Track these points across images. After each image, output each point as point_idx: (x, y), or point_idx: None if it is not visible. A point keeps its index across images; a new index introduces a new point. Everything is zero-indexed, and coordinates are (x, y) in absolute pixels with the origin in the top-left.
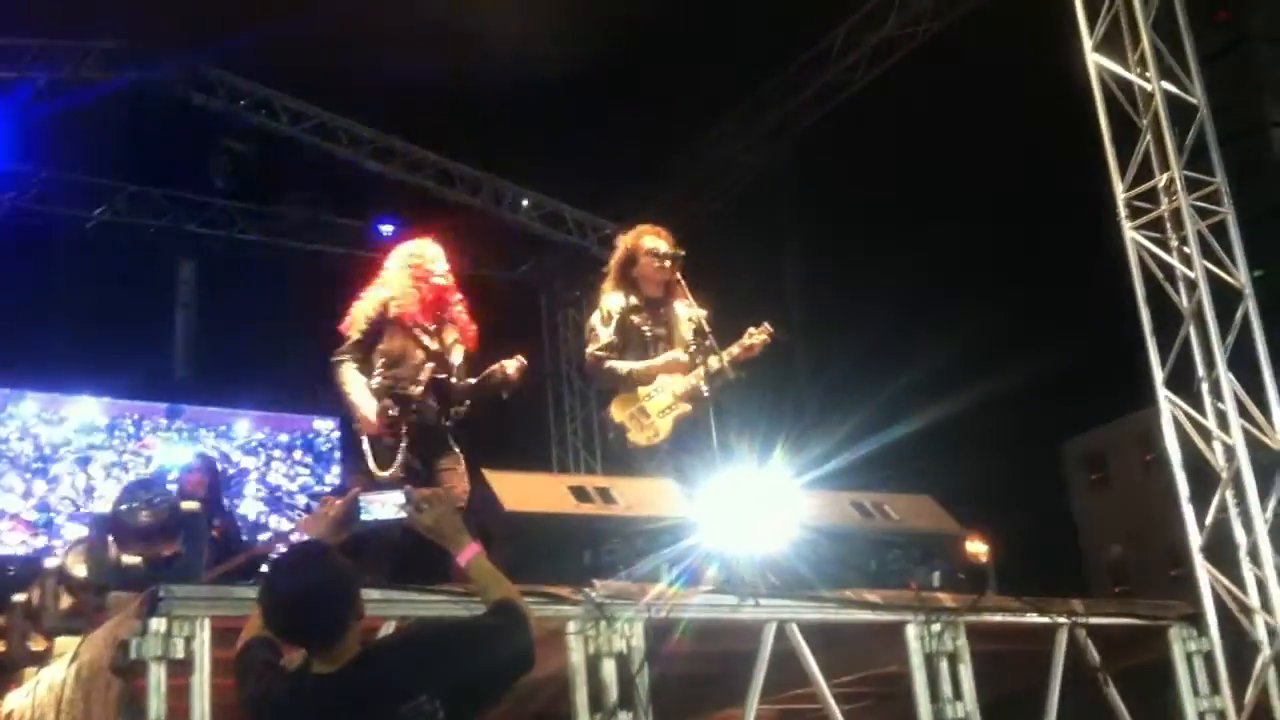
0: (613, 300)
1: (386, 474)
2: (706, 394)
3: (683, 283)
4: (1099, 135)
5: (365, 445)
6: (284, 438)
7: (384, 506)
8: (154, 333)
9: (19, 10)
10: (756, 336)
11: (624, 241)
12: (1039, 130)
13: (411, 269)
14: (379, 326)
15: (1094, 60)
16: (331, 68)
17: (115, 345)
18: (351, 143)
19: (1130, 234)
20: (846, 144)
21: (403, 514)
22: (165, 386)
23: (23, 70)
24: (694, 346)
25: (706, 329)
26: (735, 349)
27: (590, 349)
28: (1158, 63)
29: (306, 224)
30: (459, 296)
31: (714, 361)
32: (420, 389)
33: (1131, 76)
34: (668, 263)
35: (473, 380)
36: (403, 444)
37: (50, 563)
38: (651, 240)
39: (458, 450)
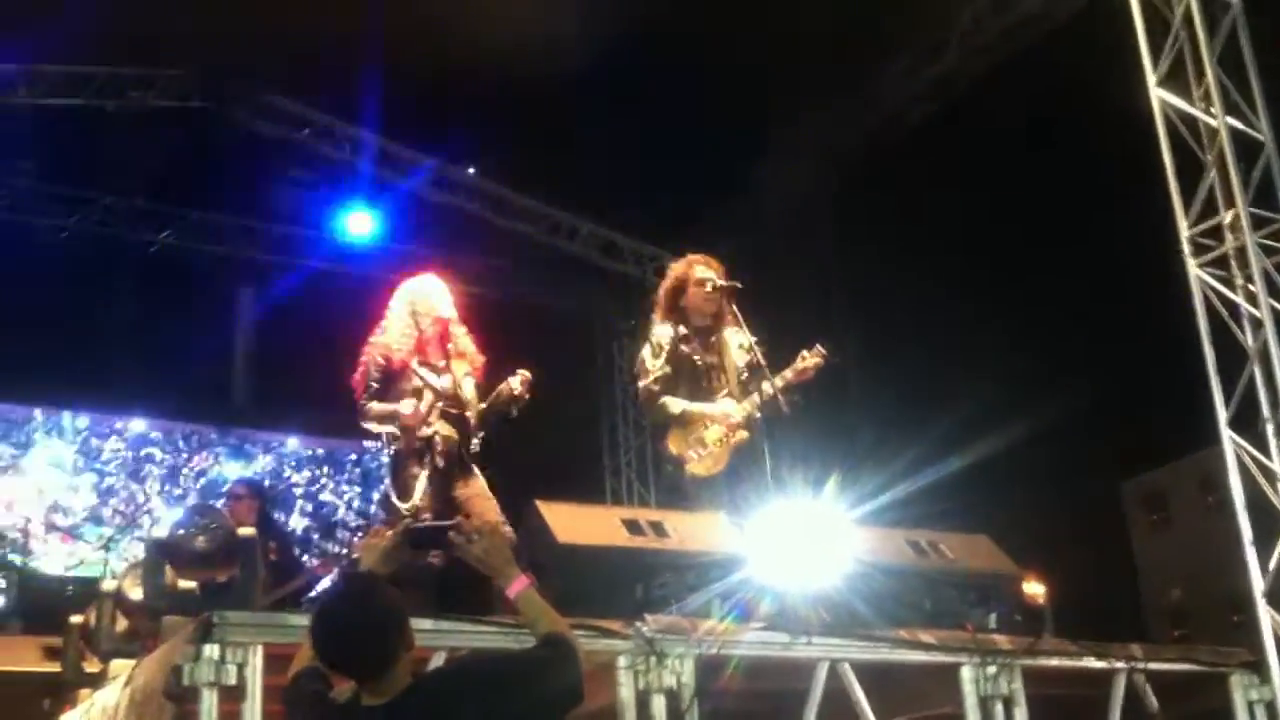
0: (662, 331)
1: (405, 505)
2: (760, 419)
3: (735, 310)
4: (1163, 171)
5: (386, 481)
6: (335, 456)
7: (433, 538)
8: (212, 357)
9: (86, 39)
10: (809, 359)
11: (673, 270)
12: (1102, 166)
13: (412, 305)
14: (385, 375)
15: (1158, 95)
16: (394, 96)
17: (173, 368)
18: (412, 170)
19: (1194, 271)
20: (904, 177)
21: (452, 546)
22: (221, 410)
23: (89, 98)
24: (746, 374)
25: (759, 355)
26: (789, 373)
27: (643, 383)
28: (1223, 98)
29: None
30: (464, 330)
31: (767, 386)
32: (431, 430)
33: (1196, 112)
34: (717, 292)
35: (483, 405)
36: (424, 473)
37: (107, 585)
38: (701, 270)
39: (480, 475)
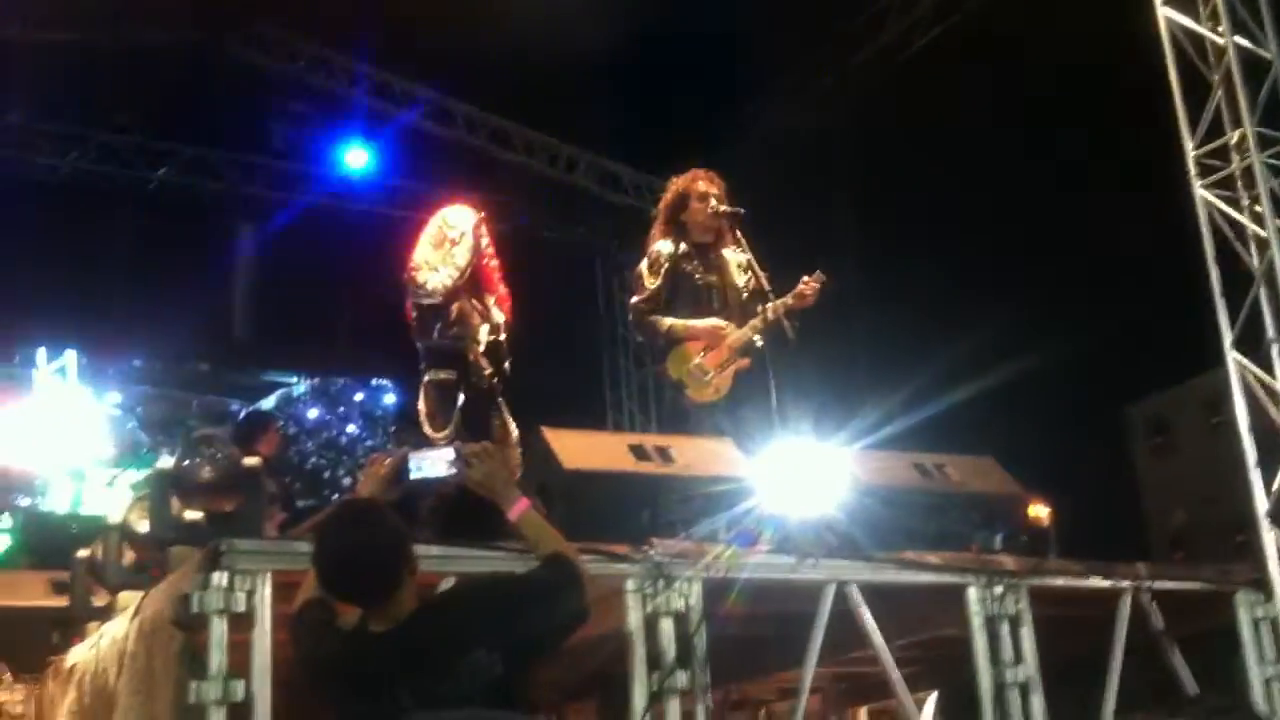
0: (662, 246)
1: (440, 434)
2: (761, 345)
3: (736, 233)
4: (1168, 91)
5: (423, 407)
6: (339, 393)
7: (434, 464)
8: (213, 294)
9: None
10: (809, 284)
11: (675, 184)
12: (1106, 86)
13: (478, 235)
14: (449, 295)
15: (1164, 14)
16: (390, 29)
17: (174, 306)
18: (410, 103)
19: (1200, 192)
20: (905, 106)
21: (453, 470)
22: (222, 347)
23: (82, 32)
24: (746, 296)
25: (763, 278)
26: (790, 298)
27: (635, 299)
28: (1230, 16)
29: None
30: (497, 261)
31: (769, 310)
32: (480, 349)
33: (1203, 30)
34: (720, 209)
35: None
36: (458, 404)
37: (113, 518)
38: (704, 185)
39: (509, 417)
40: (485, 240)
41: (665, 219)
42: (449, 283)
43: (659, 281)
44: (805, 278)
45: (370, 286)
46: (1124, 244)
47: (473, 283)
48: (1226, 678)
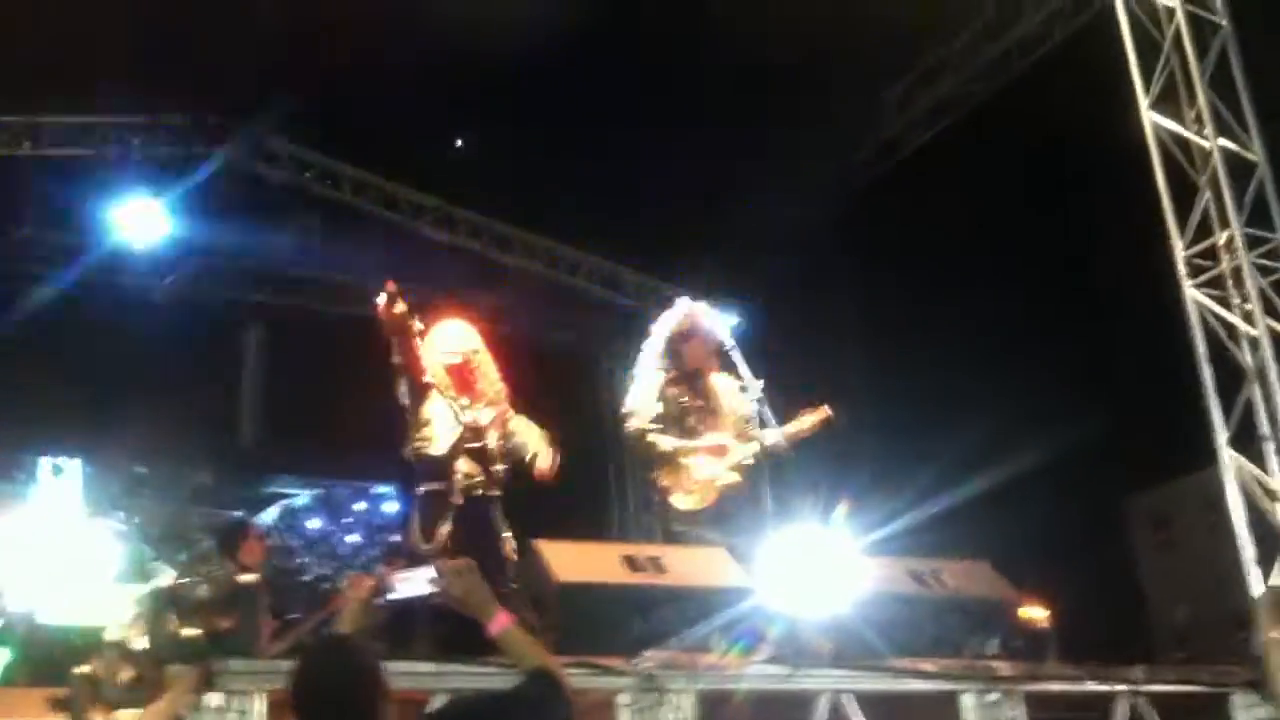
0: (649, 374)
1: (429, 546)
2: (753, 465)
3: (735, 358)
4: (1157, 194)
5: (415, 521)
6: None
7: (414, 582)
8: (219, 404)
9: (86, 90)
10: (809, 419)
11: (669, 318)
12: (1097, 190)
13: (434, 347)
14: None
15: (1150, 118)
16: (392, 138)
17: (179, 417)
18: (414, 211)
19: (1191, 292)
20: (904, 204)
21: (433, 587)
22: (229, 458)
23: (92, 146)
24: (735, 418)
25: (765, 404)
26: (791, 428)
27: (633, 425)
28: (1215, 119)
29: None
30: (490, 360)
31: (770, 437)
32: (446, 448)
33: (1189, 134)
34: (712, 350)
35: (513, 441)
36: (446, 520)
37: (111, 635)
38: (696, 322)
39: (504, 524)
40: (453, 349)
41: (657, 350)
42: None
43: (653, 404)
44: (806, 412)
45: (372, 391)
46: (1119, 343)
47: (447, 383)
48: None
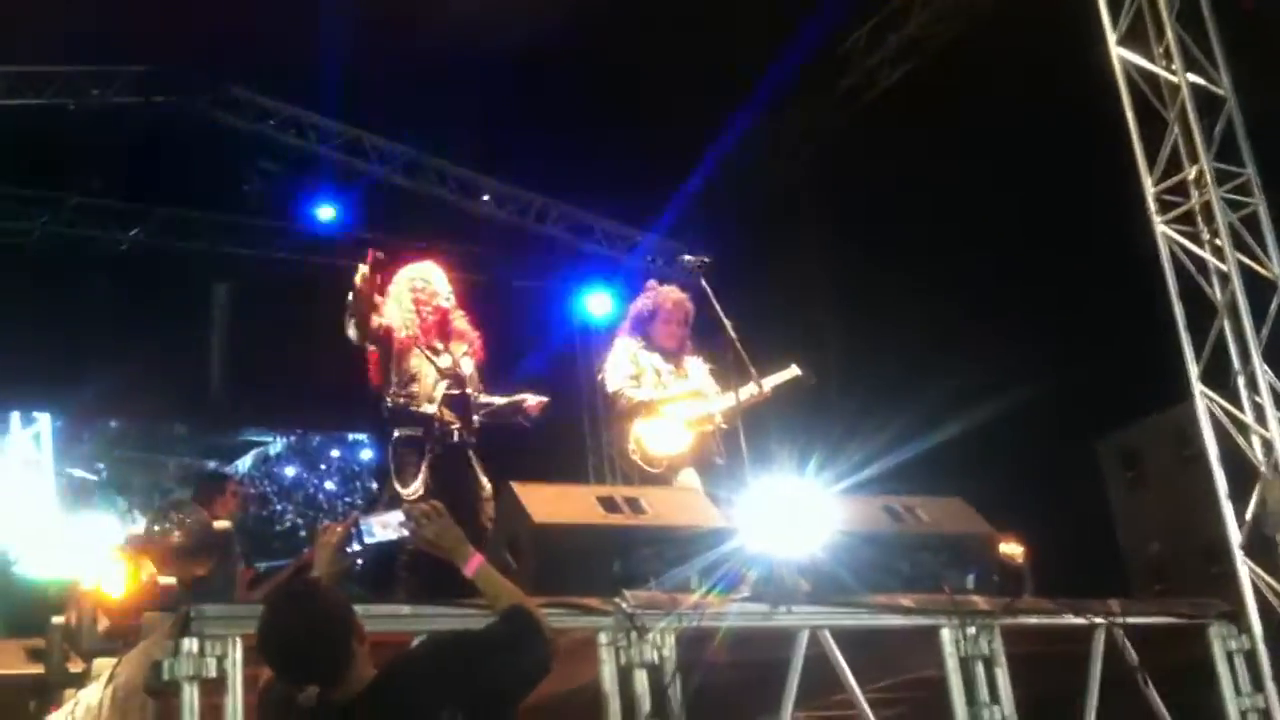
0: (624, 343)
1: (407, 490)
2: (723, 425)
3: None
4: (1125, 130)
5: (392, 465)
6: (315, 449)
7: (385, 527)
8: (188, 355)
9: (46, 39)
10: (781, 376)
11: (643, 298)
12: (1065, 128)
13: (413, 293)
14: (389, 355)
15: (1118, 54)
16: (358, 84)
17: (149, 367)
18: (380, 159)
19: (1161, 228)
20: (869, 150)
21: (404, 532)
22: (199, 408)
23: (51, 96)
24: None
25: (742, 352)
26: (766, 382)
27: (609, 385)
28: (1183, 54)
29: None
30: (461, 312)
31: (744, 392)
32: (434, 406)
33: (1157, 69)
34: (684, 329)
35: (494, 401)
36: (424, 462)
37: (87, 584)
38: (669, 306)
39: (480, 469)
40: (430, 293)
41: (630, 326)
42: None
43: (627, 365)
44: (786, 373)
45: (344, 341)
46: (1090, 280)
47: (424, 336)
48: (1203, 711)
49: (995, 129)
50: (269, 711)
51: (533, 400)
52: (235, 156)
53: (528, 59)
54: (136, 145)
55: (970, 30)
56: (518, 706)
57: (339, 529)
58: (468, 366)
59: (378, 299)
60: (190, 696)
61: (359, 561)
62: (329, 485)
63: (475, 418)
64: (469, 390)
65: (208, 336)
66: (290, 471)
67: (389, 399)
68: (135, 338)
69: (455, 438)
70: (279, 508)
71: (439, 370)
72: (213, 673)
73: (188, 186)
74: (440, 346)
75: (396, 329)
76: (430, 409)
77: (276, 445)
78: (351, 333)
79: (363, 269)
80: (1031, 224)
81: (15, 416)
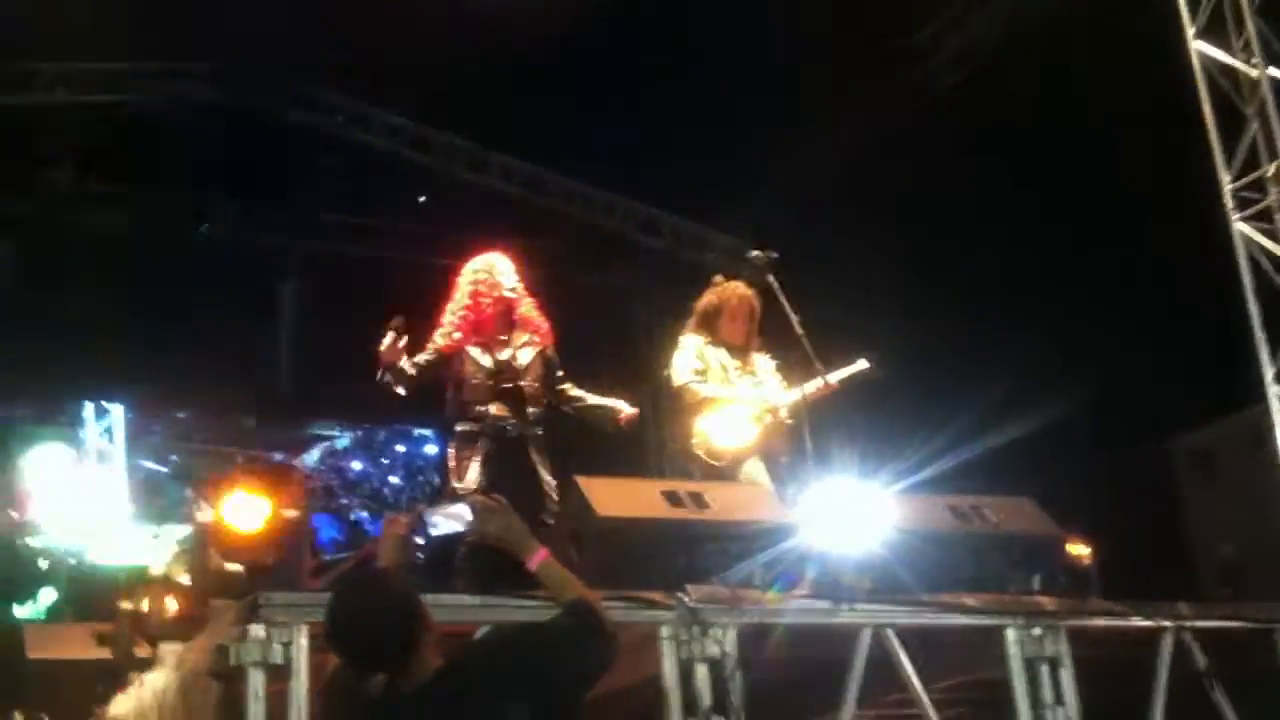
0: (691, 339)
1: (462, 485)
2: (788, 420)
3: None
4: (1204, 126)
5: (451, 460)
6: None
7: (449, 519)
8: (257, 349)
9: (119, 36)
10: (847, 370)
11: (710, 294)
12: (1144, 122)
13: (474, 285)
14: (439, 359)
15: (1196, 48)
16: (425, 81)
17: (219, 362)
18: (447, 154)
19: (1237, 225)
20: (935, 147)
21: (468, 525)
22: (268, 403)
23: (124, 93)
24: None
25: (808, 347)
26: (831, 378)
27: (675, 379)
28: (1264, 48)
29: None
30: (531, 301)
31: (809, 386)
32: (484, 405)
33: (1236, 63)
34: (751, 324)
35: (585, 398)
36: (478, 458)
37: (156, 571)
38: (737, 302)
39: (541, 461)
40: (491, 284)
41: (697, 322)
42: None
43: (693, 361)
44: (846, 366)
45: (413, 336)
46: (1163, 279)
47: (479, 331)
48: (1273, 717)
49: (1069, 126)
50: (334, 700)
51: (627, 411)
52: (306, 152)
53: (590, 53)
54: (209, 139)
55: (1044, 28)
56: (581, 699)
57: (404, 520)
58: (525, 357)
59: (404, 365)
60: (256, 682)
61: (420, 554)
62: (393, 479)
63: (530, 409)
64: (524, 382)
65: (277, 330)
66: (356, 465)
67: (448, 395)
68: (206, 331)
69: (511, 432)
70: (345, 501)
71: (487, 368)
72: (279, 659)
73: (260, 181)
74: (501, 339)
75: (441, 334)
76: (480, 408)
77: (343, 440)
78: (401, 391)
79: (388, 337)
80: (1101, 221)
81: (90, 408)
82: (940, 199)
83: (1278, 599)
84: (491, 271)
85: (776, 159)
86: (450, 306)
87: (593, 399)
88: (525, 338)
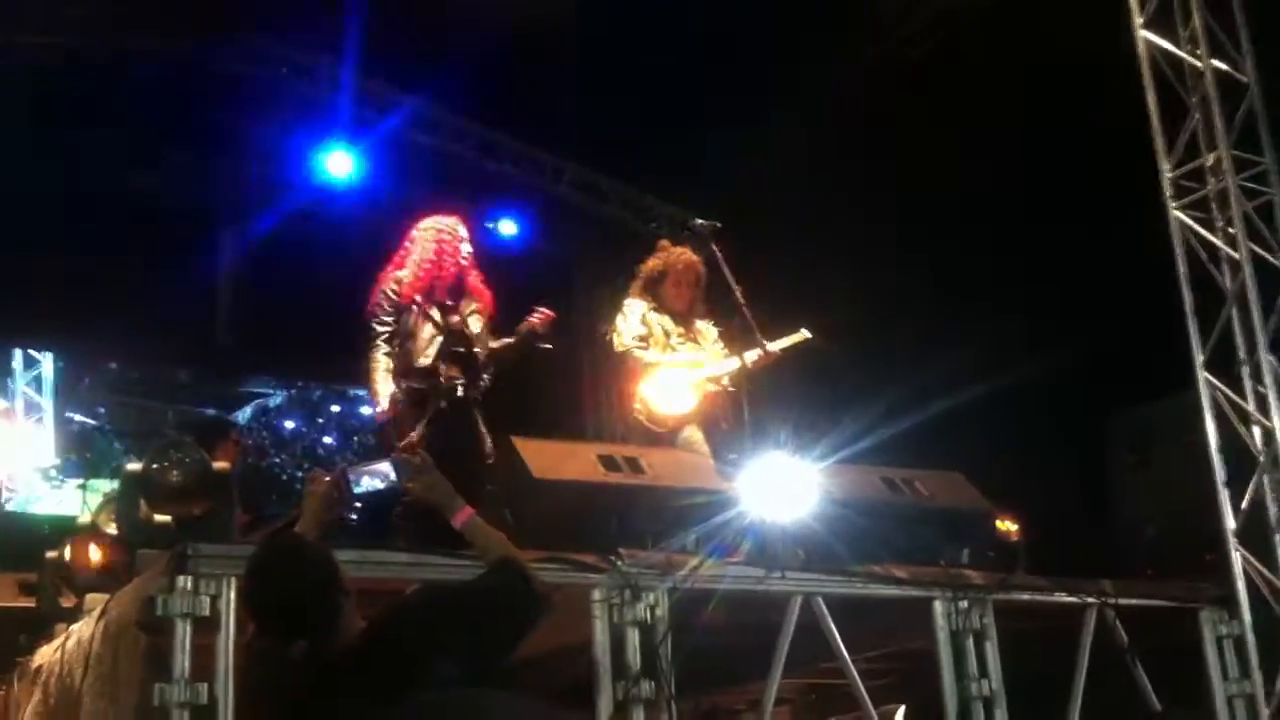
0: (634, 303)
1: (402, 444)
2: (731, 388)
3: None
4: (1147, 113)
5: (390, 415)
6: (316, 401)
7: (374, 477)
8: (194, 303)
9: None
10: (789, 340)
11: (654, 258)
12: (1085, 108)
13: (441, 242)
14: (395, 309)
15: (1143, 37)
16: (375, 37)
17: (155, 314)
18: (394, 111)
19: (1175, 213)
20: (889, 119)
21: (393, 481)
22: (202, 356)
23: (63, 39)
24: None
25: (749, 315)
26: (772, 347)
27: (617, 343)
28: (1209, 39)
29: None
30: (476, 272)
31: (750, 356)
32: (429, 361)
33: (1181, 54)
34: (693, 290)
35: (498, 343)
36: (424, 417)
37: (82, 520)
38: (679, 269)
39: (484, 426)
40: (454, 248)
41: (641, 286)
42: (391, 287)
43: (637, 326)
44: (789, 336)
45: (352, 295)
46: (1103, 262)
47: (428, 293)
48: (1191, 694)
49: (1012, 109)
50: (256, 661)
51: (536, 317)
52: (246, 103)
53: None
54: (147, 90)
55: (995, 10)
56: (509, 657)
57: (327, 479)
58: (476, 325)
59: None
60: (183, 634)
61: (354, 514)
62: (327, 439)
63: (485, 376)
64: (477, 349)
65: (214, 284)
66: (290, 424)
67: (390, 349)
68: (142, 283)
69: (460, 393)
70: (277, 459)
71: (438, 327)
72: (206, 611)
73: (200, 134)
74: (449, 303)
75: (405, 282)
76: (425, 363)
77: (277, 398)
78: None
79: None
80: (1047, 200)
81: (19, 356)
82: (888, 172)
83: (1199, 579)
84: (454, 234)
85: (723, 130)
86: (412, 259)
87: (504, 343)
88: (474, 306)
